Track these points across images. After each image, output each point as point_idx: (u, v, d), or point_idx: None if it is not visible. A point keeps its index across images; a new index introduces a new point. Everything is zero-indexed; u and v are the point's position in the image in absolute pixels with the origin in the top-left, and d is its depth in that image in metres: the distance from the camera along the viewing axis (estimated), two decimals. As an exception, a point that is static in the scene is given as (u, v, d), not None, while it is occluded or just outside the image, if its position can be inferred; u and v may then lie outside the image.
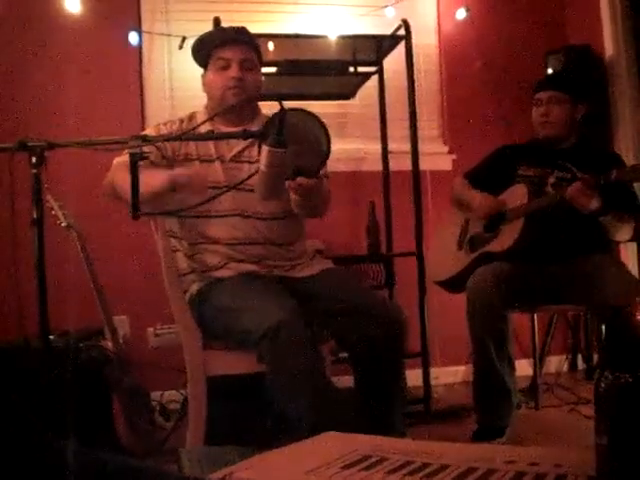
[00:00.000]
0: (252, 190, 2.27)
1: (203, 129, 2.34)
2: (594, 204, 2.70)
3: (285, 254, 2.46)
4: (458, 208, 3.25)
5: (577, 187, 2.70)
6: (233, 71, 2.38)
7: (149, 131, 2.43)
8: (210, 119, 2.37)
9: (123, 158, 2.27)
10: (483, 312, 2.73)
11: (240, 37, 2.43)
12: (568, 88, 3.04)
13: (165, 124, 2.47)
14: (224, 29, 2.52)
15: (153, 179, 2.10)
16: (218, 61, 2.41)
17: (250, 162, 2.42)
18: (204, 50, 2.46)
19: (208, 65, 2.46)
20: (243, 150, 2.44)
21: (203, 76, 2.50)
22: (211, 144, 2.40)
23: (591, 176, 2.70)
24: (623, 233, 2.88)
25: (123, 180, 2.05)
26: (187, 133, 2.21)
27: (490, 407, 2.81)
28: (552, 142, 3.05)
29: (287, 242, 2.47)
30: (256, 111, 2.55)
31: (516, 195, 2.98)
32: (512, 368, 2.82)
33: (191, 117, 2.50)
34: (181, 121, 2.47)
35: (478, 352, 2.79)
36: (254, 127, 2.39)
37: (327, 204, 2.44)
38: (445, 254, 3.24)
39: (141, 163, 1.86)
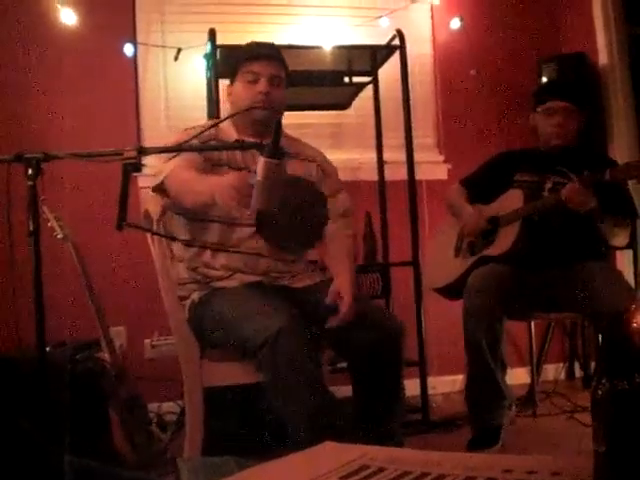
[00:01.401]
0: None
1: (229, 138, 2.40)
2: (589, 204, 2.69)
3: (290, 268, 2.47)
4: (452, 215, 3.26)
5: (571, 187, 2.69)
6: (261, 86, 2.40)
7: (179, 136, 2.42)
8: (213, 126, 2.38)
9: (178, 162, 2.29)
10: (480, 311, 2.73)
11: (272, 53, 2.47)
12: (577, 99, 3.04)
13: (193, 128, 2.48)
14: (258, 44, 2.54)
15: (199, 191, 2.17)
16: (248, 74, 2.43)
17: None
18: (234, 62, 2.49)
19: (236, 77, 2.48)
20: None
21: (229, 87, 2.53)
22: (238, 153, 2.41)
23: (585, 176, 2.70)
24: (620, 238, 2.89)
25: (181, 185, 2.23)
26: (184, 144, 2.22)
27: (483, 408, 2.82)
28: (558, 150, 3.05)
29: (295, 257, 2.48)
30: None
31: (512, 199, 2.99)
32: (504, 370, 2.82)
33: (216, 125, 2.51)
34: (209, 127, 2.49)
35: (472, 352, 2.79)
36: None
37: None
38: (442, 261, 3.24)
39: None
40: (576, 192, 2.69)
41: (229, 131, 2.46)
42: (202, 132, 2.26)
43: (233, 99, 2.51)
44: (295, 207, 2.31)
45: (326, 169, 2.63)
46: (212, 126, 2.36)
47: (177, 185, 2.26)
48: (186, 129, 2.47)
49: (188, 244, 2.45)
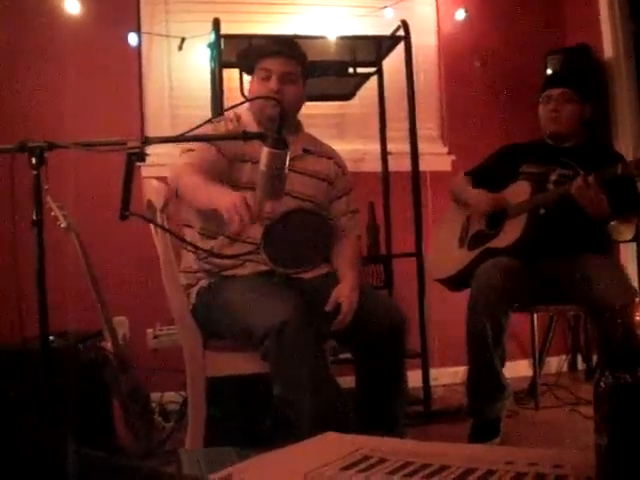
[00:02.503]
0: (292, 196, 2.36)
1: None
2: (599, 204, 2.68)
3: None
4: (457, 205, 3.25)
5: (581, 185, 2.66)
6: (272, 83, 2.41)
7: (205, 129, 2.41)
8: (199, 126, 2.38)
9: (188, 159, 2.30)
10: (486, 304, 2.72)
11: (282, 49, 2.45)
12: (577, 86, 3.05)
13: (219, 122, 2.48)
14: (274, 39, 2.55)
15: (200, 195, 2.19)
16: (261, 71, 2.44)
17: (297, 172, 2.43)
18: (249, 59, 2.50)
19: (253, 73, 2.49)
20: (293, 159, 2.20)
21: (250, 82, 2.54)
22: (259, 148, 2.38)
23: (597, 172, 2.67)
24: (625, 234, 2.88)
25: (186, 186, 2.22)
26: (184, 135, 2.21)
27: (484, 399, 2.82)
28: (559, 139, 3.05)
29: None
30: (299, 125, 2.60)
31: (518, 192, 2.98)
32: (503, 363, 2.82)
33: (238, 118, 2.51)
34: (230, 120, 2.49)
35: (475, 344, 2.78)
36: (298, 141, 2.47)
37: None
38: (446, 251, 3.23)
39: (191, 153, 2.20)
40: (585, 189, 2.66)
41: (251, 126, 2.45)
42: (218, 117, 2.26)
43: (249, 94, 2.52)
44: (301, 236, 2.34)
45: (342, 166, 2.67)
46: (219, 115, 2.35)
47: (181, 186, 2.27)
48: (212, 121, 2.47)
49: (206, 235, 2.45)
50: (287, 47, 2.48)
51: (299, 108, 2.55)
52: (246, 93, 2.60)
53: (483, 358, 2.77)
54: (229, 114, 2.52)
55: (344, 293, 2.32)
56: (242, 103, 2.41)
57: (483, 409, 2.82)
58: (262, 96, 2.36)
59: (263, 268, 2.38)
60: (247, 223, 1.98)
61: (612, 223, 2.80)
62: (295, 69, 2.46)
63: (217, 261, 2.42)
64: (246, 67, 2.55)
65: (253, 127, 2.45)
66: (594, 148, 3.08)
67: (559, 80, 3.14)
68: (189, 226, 2.52)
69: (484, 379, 2.80)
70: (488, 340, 2.72)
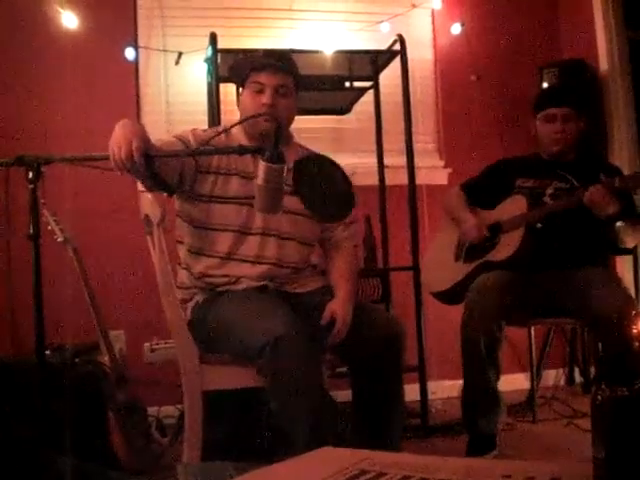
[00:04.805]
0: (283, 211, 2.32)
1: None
2: (613, 207, 2.69)
3: (294, 275, 2.47)
4: (450, 219, 3.25)
5: (596, 189, 2.67)
6: (266, 97, 2.39)
7: (185, 133, 2.41)
8: (221, 133, 2.38)
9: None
10: (482, 315, 2.72)
11: (277, 63, 2.43)
12: (577, 104, 3.04)
13: (204, 131, 2.47)
14: (266, 53, 2.53)
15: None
16: (254, 84, 2.42)
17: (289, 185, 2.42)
18: (242, 71, 2.48)
19: (245, 85, 2.47)
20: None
21: (240, 94, 2.53)
22: (250, 161, 2.38)
23: (608, 180, 2.68)
24: (629, 240, 2.89)
25: None
26: (185, 151, 2.22)
27: (478, 413, 2.81)
28: (559, 156, 3.05)
29: (301, 266, 2.49)
30: (290, 137, 2.58)
31: (515, 205, 2.99)
32: (498, 377, 2.81)
33: (227, 131, 2.50)
34: (218, 133, 2.48)
35: (469, 357, 2.78)
36: (290, 153, 2.40)
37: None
38: (442, 265, 3.23)
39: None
40: (601, 194, 2.67)
41: (240, 140, 2.44)
42: (212, 138, 2.26)
43: (241, 107, 2.51)
44: (328, 177, 2.29)
45: None
46: (220, 133, 2.36)
47: None
48: (195, 129, 2.47)
49: (197, 253, 2.45)
50: (280, 60, 2.46)
51: (291, 121, 2.53)
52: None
53: (477, 372, 2.76)
54: (220, 127, 2.52)
55: (338, 307, 2.32)
56: (243, 121, 2.41)
57: (478, 423, 2.81)
58: (258, 114, 2.34)
59: (257, 284, 2.38)
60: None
61: (618, 224, 2.79)
62: (288, 82, 2.44)
63: (211, 278, 2.41)
64: (238, 79, 2.54)
65: (243, 141, 2.43)
66: (589, 161, 3.09)
67: (561, 99, 3.09)
68: (182, 242, 2.52)
69: (478, 393, 2.80)
70: (482, 354, 2.71)
